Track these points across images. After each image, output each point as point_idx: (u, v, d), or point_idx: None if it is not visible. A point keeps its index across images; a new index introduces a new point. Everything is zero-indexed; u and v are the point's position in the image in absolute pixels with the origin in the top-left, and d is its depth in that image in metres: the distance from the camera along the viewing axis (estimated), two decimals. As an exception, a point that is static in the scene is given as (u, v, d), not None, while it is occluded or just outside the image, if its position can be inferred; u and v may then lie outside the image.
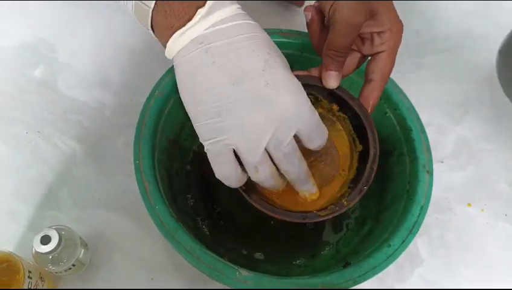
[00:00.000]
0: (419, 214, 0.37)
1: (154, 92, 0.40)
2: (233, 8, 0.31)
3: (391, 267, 0.35)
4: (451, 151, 0.51)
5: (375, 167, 0.36)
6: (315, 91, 0.37)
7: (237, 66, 0.30)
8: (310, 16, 0.35)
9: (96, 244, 0.43)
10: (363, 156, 0.37)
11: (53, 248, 0.35)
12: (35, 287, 0.36)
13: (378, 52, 0.36)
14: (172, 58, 0.33)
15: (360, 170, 0.37)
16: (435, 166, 0.40)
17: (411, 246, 0.36)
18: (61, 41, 0.54)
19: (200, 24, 0.30)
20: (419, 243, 0.45)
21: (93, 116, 0.49)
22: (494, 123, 0.53)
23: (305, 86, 0.33)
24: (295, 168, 0.32)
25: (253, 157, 0.31)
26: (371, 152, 0.36)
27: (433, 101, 0.54)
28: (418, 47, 0.58)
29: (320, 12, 0.35)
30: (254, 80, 0.30)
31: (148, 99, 0.40)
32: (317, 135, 0.33)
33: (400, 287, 0.43)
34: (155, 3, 0.31)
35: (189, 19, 0.30)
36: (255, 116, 0.30)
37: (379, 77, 0.36)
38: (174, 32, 0.31)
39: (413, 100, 0.43)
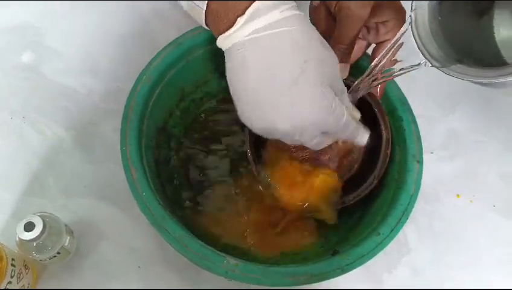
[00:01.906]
0: (409, 203, 0.37)
1: (141, 77, 0.39)
2: (275, 14, 0.30)
3: (379, 256, 0.35)
4: (441, 142, 0.51)
5: (389, 152, 0.39)
6: None
7: (259, 87, 0.30)
8: (317, 3, 0.37)
9: (83, 232, 0.42)
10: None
11: (37, 235, 0.34)
12: (19, 275, 0.35)
13: (384, 41, 0.37)
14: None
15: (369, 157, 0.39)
16: (425, 157, 0.40)
17: (399, 235, 0.36)
18: (49, 26, 0.52)
19: (241, 31, 0.30)
20: (408, 232, 0.45)
21: (81, 102, 0.48)
22: (485, 115, 0.53)
23: None
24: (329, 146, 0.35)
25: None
26: (384, 137, 0.39)
27: (424, 92, 0.53)
28: (410, 37, 0.57)
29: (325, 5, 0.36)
30: (279, 94, 0.30)
31: (136, 84, 0.39)
32: (342, 132, 0.34)
33: (388, 276, 0.43)
34: (207, 5, 0.31)
35: (231, 26, 0.30)
36: (279, 128, 0.31)
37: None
38: (220, 34, 0.31)
39: (404, 90, 0.43)
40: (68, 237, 0.38)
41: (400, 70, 0.34)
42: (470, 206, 0.48)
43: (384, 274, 0.43)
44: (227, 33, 0.31)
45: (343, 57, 0.36)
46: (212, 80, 0.45)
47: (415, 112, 0.42)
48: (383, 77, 0.36)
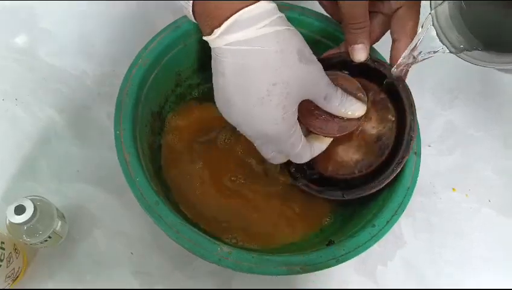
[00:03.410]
0: (405, 195, 0.37)
1: (137, 60, 0.38)
2: (251, 31, 0.29)
3: (374, 248, 0.35)
4: (439, 136, 0.51)
5: (413, 135, 0.36)
6: (346, 68, 0.37)
7: (232, 95, 0.31)
8: None
9: (75, 217, 0.42)
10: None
11: (28, 218, 0.34)
12: (8, 259, 0.35)
13: (397, 9, 0.35)
14: None
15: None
16: (422, 150, 0.40)
17: (395, 228, 0.36)
18: (43, 7, 0.51)
19: (219, 40, 0.30)
20: (403, 225, 0.45)
21: (75, 85, 0.47)
22: (483, 110, 0.53)
23: (337, 64, 0.35)
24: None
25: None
26: (408, 119, 0.36)
27: (423, 85, 0.53)
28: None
29: None
30: (246, 107, 0.31)
31: (131, 67, 0.38)
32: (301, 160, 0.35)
33: (383, 269, 0.43)
34: (192, 4, 0.31)
35: (210, 33, 0.30)
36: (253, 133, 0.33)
37: (402, 35, 0.35)
38: (204, 36, 0.32)
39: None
40: (60, 222, 0.38)
41: (419, 54, 0.33)
42: (466, 201, 0.48)
43: (379, 267, 0.43)
44: (208, 38, 0.31)
45: (358, 37, 0.35)
46: (210, 65, 0.44)
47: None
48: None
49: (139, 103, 0.38)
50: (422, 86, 0.52)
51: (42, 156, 0.44)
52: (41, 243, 0.36)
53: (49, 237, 0.37)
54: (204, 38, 0.31)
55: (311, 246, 0.36)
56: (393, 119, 0.38)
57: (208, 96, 0.45)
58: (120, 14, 0.52)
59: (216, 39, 0.30)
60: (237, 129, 0.33)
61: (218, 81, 0.32)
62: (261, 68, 0.30)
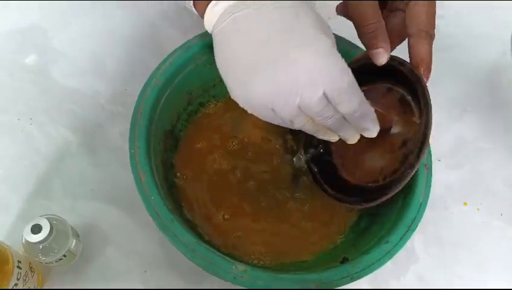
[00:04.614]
0: (418, 211, 0.37)
1: (151, 80, 0.39)
2: None
3: (387, 264, 0.35)
4: (448, 150, 0.51)
5: (428, 133, 0.34)
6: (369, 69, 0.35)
7: (258, 32, 0.30)
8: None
9: (89, 235, 0.42)
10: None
11: (44, 237, 0.34)
12: (25, 277, 0.35)
13: (408, 2, 0.33)
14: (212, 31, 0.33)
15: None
16: (432, 164, 0.40)
17: (407, 243, 0.36)
18: (56, 28, 0.52)
19: (217, 8, 0.31)
20: (416, 240, 0.45)
21: (88, 105, 0.48)
22: (492, 123, 0.53)
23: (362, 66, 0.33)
24: (328, 121, 0.32)
25: (284, 114, 0.31)
26: (423, 118, 0.34)
27: (432, 99, 0.53)
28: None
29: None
30: (278, 43, 0.29)
31: (144, 88, 0.39)
32: (346, 98, 0.30)
33: (395, 284, 0.43)
34: None
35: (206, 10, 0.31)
36: (281, 78, 0.30)
37: (414, 29, 0.32)
38: (208, 5, 0.32)
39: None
40: (74, 240, 0.38)
41: None
42: (478, 214, 0.47)
43: (392, 282, 0.43)
44: (208, 17, 0.32)
45: (373, 41, 0.32)
46: (220, 83, 0.45)
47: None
48: None
49: (152, 122, 0.38)
50: (432, 100, 0.52)
51: (56, 175, 0.44)
52: (56, 261, 0.37)
53: (64, 256, 0.37)
54: (207, 10, 0.32)
55: (324, 263, 0.36)
56: (419, 122, 0.35)
57: (219, 112, 0.46)
58: (131, 33, 0.53)
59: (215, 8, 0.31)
60: (253, 110, 0.32)
61: (229, 50, 0.31)
62: (280, 2, 0.30)
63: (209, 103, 0.46)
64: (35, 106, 0.48)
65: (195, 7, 0.36)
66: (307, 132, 0.34)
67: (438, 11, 0.62)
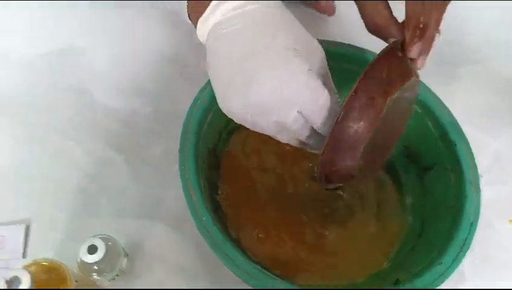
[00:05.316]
0: (469, 231, 0.36)
1: (196, 101, 0.40)
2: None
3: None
4: (488, 166, 0.50)
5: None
6: None
7: (236, 51, 0.31)
8: None
9: (135, 253, 0.42)
10: None
11: (100, 258, 0.35)
12: (78, 297, 0.36)
13: None
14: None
15: None
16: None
17: (457, 263, 0.35)
18: (94, 49, 0.54)
19: (216, 12, 0.32)
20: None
21: (129, 123, 0.49)
22: (532, 137, 0.52)
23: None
24: (308, 140, 0.33)
25: (266, 130, 0.33)
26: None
27: (468, 114, 0.52)
28: (450, 58, 0.57)
29: None
30: (252, 63, 0.31)
31: (191, 107, 0.40)
32: (319, 118, 0.31)
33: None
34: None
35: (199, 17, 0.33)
36: (253, 98, 0.31)
37: (411, 25, 0.32)
38: (199, 19, 0.34)
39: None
40: (125, 259, 0.39)
41: None
42: (523, 232, 0.47)
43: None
44: (203, 16, 0.33)
45: (398, 48, 0.33)
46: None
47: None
48: None
49: (199, 142, 0.39)
50: (467, 114, 0.52)
51: (102, 193, 0.45)
52: (108, 281, 0.37)
53: (117, 275, 0.37)
54: (197, 26, 0.34)
55: (377, 284, 0.36)
56: None
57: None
58: (168, 54, 0.54)
59: (211, 15, 0.32)
60: (247, 122, 0.32)
61: (220, 58, 0.32)
62: (259, 22, 0.31)
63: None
64: (78, 126, 0.49)
65: (189, 18, 0.37)
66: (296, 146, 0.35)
67: (469, 24, 0.61)
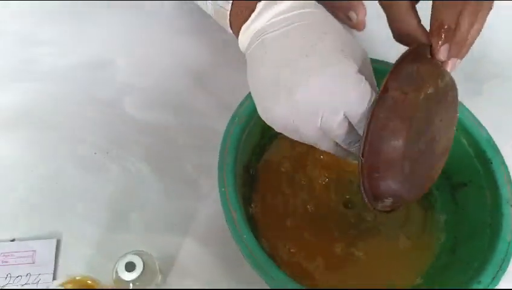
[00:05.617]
0: (507, 249, 0.36)
1: (234, 118, 0.40)
2: (290, 3, 0.32)
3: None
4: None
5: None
6: None
7: (282, 54, 0.31)
8: None
9: (167, 268, 0.42)
10: None
11: (138, 275, 0.35)
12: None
13: None
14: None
15: None
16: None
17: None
18: (126, 62, 0.54)
19: (259, 19, 0.32)
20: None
21: (160, 137, 0.49)
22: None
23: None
24: (352, 147, 0.33)
25: (308, 137, 0.32)
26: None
27: (498, 130, 0.52)
28: (476, 73, 0.57)
29: None
30: (299, 65, 0.31)
31: (229, 126, 0.40)
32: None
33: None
34: (231, 4, 0.34)
35: (250, 13, 0.33)
36: (300, 100, 0.31)
37: (434, 27, 0.33)
38: (241, 27, 0.34)
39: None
40: (160, 275, 0.39)
41: None
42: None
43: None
44: (246, 23, 0.33)
45: (426, 52, 0.33)
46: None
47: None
48: None
49: (236, 160, 0.39)
50: (496, 131, 0.52)
51: (134, 208, 0.45)
52: (145, 298, 0.37)
53: (153, 292, 0.38)
54: (240, 33, 0.33)
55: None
56: None
57: (287, 144, 0.46)
58: (200, 68, 0.54)
59: (255, 20, 0.32)
60: (288, 130, 0.33)
61: (260, 67, 0.32)
62: (306, 25, 0.31)
63: (279, 134, 0.47)
64: (110, 139, 0.49)
65: (231, 29, 0.36)
66: (336, 155, 0.34)
67: (496, 39, 0.61)
